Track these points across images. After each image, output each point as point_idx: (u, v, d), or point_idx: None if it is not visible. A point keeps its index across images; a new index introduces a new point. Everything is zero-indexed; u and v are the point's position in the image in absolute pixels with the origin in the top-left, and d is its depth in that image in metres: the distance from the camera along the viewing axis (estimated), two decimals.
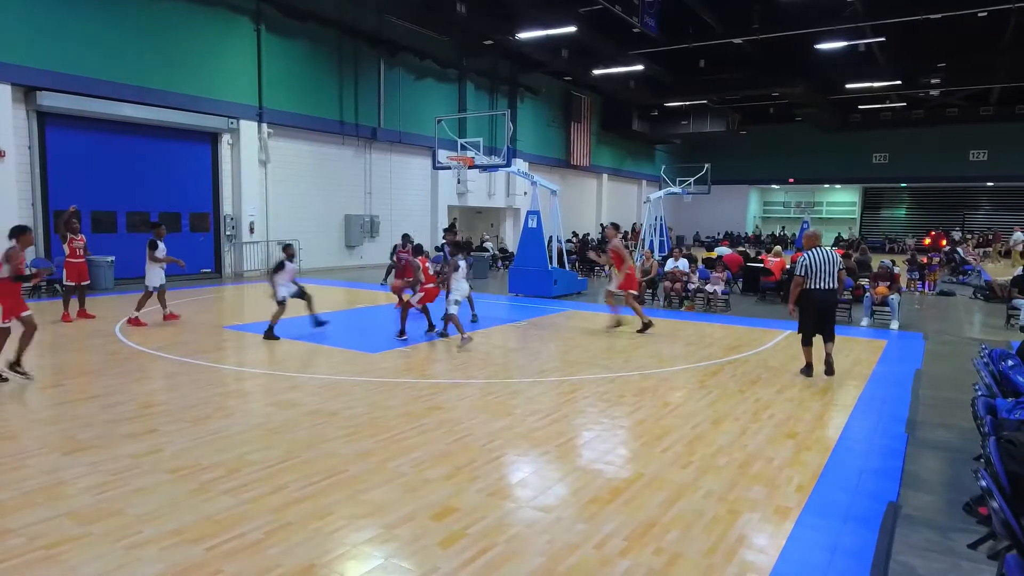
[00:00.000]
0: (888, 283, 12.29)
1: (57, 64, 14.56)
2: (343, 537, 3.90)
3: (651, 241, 22.51)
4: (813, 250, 7.91)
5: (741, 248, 24.87)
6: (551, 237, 16.36)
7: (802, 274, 7.88)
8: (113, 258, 15.28)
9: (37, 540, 3.77)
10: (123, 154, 16.50)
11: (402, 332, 9.94)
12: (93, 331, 10.17)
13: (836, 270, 7.91)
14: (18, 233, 7.47)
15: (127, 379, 7.38)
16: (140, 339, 9.43)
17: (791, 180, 43.35)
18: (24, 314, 7.24)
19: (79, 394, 6.84)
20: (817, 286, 7.81)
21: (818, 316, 7.93)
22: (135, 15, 15.88)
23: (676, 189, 26.58)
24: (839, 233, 39.60)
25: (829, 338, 8.02)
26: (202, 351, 8.89)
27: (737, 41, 22.66)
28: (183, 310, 12.38)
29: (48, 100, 14.47)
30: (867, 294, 12.37)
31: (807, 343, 8.10)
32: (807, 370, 8.17)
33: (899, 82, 27.11)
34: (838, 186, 44.47)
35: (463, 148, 17.15)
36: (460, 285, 9.72)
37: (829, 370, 8.04)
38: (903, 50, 24.44)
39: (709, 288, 13.65)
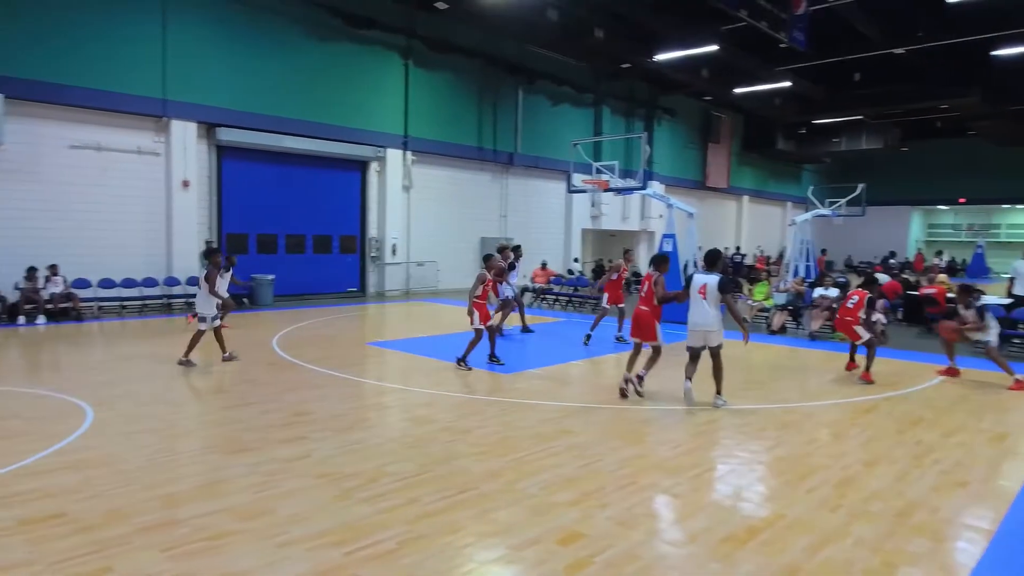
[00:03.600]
0: None
1: (231, 102, 16.30)
2: (471, 554, 3.96)
3: (797, 267, 21.18)
4: None
5: (902, 275, 22.57)
6: (687, 261, 15.88)
7: None
8: (273, 276, 16.75)
9: (201, 531, 4.15)
10: (284, 182, 18.09)
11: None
12: (254, 343, 11.12)
13: None
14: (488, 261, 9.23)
15: (281, 388, 7.99)
16: (294, 352, 10.21)
17: (962, 200, 39.19)
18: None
19: (239, 400, 7.50)
20: None
21: None
22: (296, 56, 17.44)
23: (825, 211, 24.84)
24: None
25: None
26: (347, 365, 9.45)
27: (899, 51, 20.99)
28: (331, 327, 13.28)
29: (225, 135, 16.21)
30: None
31: None
32: None
33: None
34: (1020, 206, 39.60)
35: (598, 171, 17.13)
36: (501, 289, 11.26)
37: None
38: None
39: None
